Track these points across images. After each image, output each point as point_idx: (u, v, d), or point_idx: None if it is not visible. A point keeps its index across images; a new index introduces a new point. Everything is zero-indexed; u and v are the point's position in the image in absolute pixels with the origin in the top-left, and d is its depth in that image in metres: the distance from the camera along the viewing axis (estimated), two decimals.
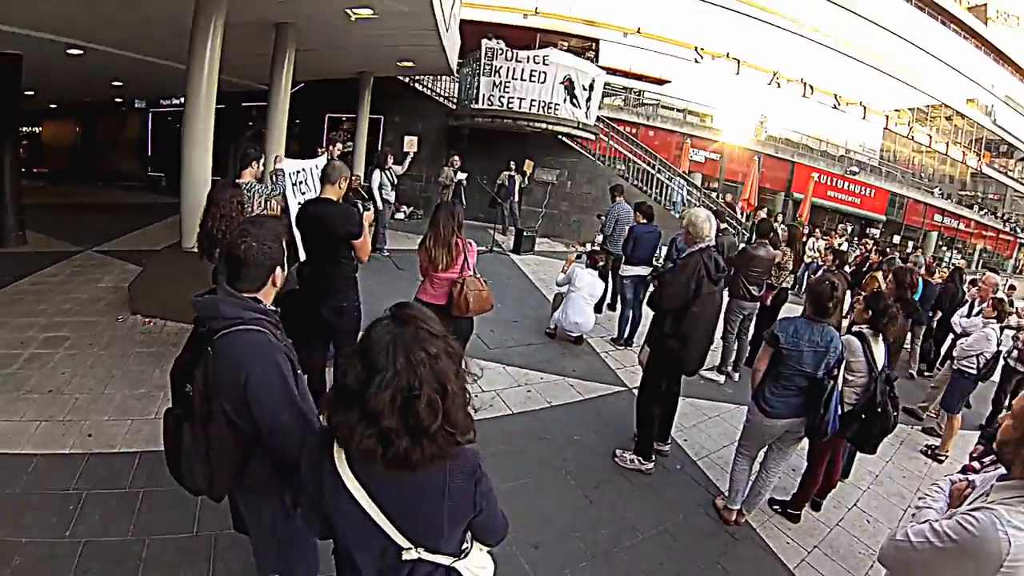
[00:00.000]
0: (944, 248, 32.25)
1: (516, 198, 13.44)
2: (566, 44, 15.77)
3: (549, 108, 13.25)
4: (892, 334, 4.18)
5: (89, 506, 3.29)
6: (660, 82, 28.40)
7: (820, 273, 7.25)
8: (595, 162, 15.08)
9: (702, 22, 27.94)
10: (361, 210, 4.70)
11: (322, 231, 4.10)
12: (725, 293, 6.90)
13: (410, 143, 12.30)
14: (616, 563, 3.53)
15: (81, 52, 9.78)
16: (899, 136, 33.09)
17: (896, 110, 32.77)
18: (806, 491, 4.25)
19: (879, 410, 3.81)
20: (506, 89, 13.17)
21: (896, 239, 27.50)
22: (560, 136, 14.50)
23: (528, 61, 13.08)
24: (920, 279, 8.15)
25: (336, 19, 7.79)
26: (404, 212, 14.78)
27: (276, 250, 2.12)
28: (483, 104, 13.43)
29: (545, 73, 13.04)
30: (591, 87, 13.83)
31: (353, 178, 10.87)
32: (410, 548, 1.50)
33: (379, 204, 10.00)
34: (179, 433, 2.02)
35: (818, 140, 30.06)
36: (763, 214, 13.96)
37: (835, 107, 30.23)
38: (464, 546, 1.65)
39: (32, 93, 15.42)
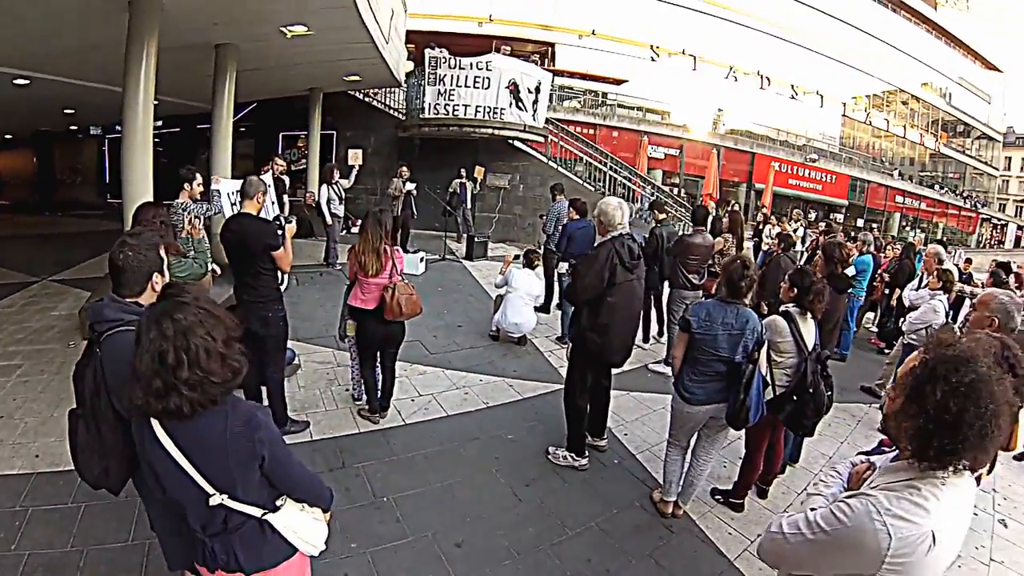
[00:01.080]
0: (907, 228, 33.19)
1: (469, 205, 13.66)
2: (509, 50, 15.78)
3: (494, 113, 13.40)
4: (820, 311, 4.01)
5: (34, 522, 3.49)
6: (618, 82, 29.03)
7: (765, 258, 7.49)
8: (547, 164, 15.33)
9: (657, 21, 28.63)
10: (281, 223, 4.91)
11: (242, 244, 4.34)
12: (666, 284, 7.19)
13: (354, 156, 12.50)
14: (540, 560, 3.53)
15: (28, 82, 10.00)
16: (857, 122, 34.07)
17: (853, 97, 33.71)
18: (746, 479, 4.17)
19: (811, 391, 3.73)
20: (451, 97, 13.31)
21: (860, 222, 28.20)
22: (510, 140, 14.76)
23: (471, 68, 13.25)
24: (869, 255, 8.53)
25: (273, 37, 8.08)
26: (359, 226, 14.95)
27: (153, 258, 2.37)
28: (429, 113, 13.56)
29: (489, 79, 13.22)
30: (537, 89, 14.03)
31: (308, 194, 11.24)
32: (215, 494, 1.77)
33: (328, 219, 10.27)
34: (75, 429, 2.29)
35: (777, 130, 30.83)
36: (737, 206, 14.40)
37: (793, 97, 31.09)
38: (278, 502, 1.95)
39: None
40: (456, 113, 13.41)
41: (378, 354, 4.95)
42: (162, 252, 2.47)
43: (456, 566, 3.39)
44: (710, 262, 7.04)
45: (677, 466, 3.99)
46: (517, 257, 8.40)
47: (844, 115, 33.39)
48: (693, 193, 23.65)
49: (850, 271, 7.26)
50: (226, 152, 9.07)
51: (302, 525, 1.99)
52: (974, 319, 3.75)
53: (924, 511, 1.43)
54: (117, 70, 6.61)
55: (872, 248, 9.25)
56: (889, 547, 1.41)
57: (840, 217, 28.65)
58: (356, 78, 12.33)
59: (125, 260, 2.29)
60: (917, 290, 7.01)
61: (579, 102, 28.17)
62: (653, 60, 28.73)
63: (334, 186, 10.44)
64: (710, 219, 7.42)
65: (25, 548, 3.27)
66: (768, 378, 3.86)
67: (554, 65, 29.17)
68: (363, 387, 5.08)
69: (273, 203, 8.28)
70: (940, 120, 36.63)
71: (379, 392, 4.99)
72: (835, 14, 31.17)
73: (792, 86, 30.92)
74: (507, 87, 13.35)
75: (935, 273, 6.43)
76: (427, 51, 13.57)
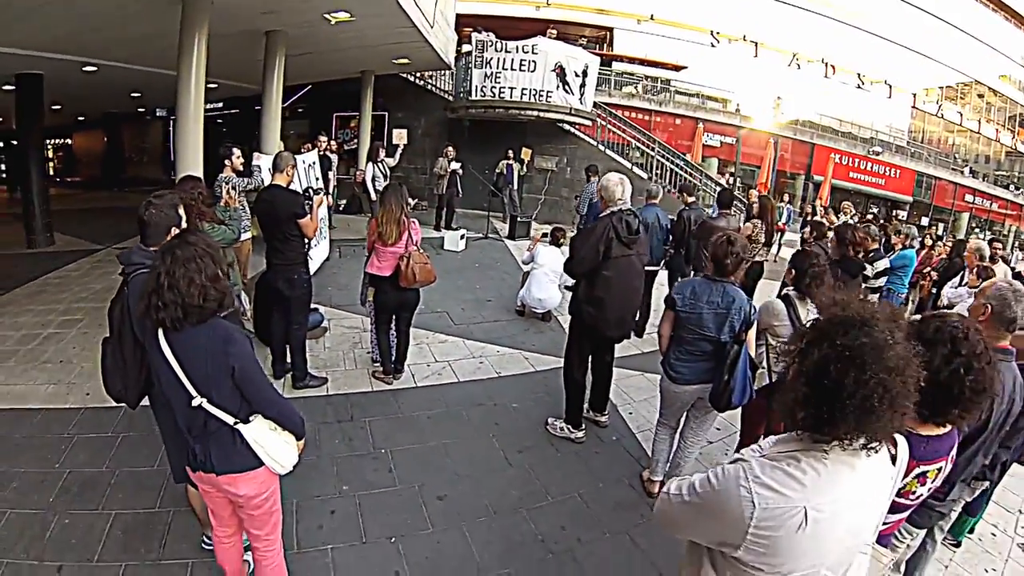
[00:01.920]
0: (976, 229, 31.53)
1: (515, 186, 13.91)
2: (555, 33, 15.80)
3: (540, 96, 13.59)
4: (819, 295, 3.72)
5: (78, 447, 4.12)
6: (676, 68, 28.76)
7: (800, 247, 7.26)
8: (595, 148, 15.42)
9: (717, 5, 28.19)
10: (310, 195, 5.33)
11: (271, 213, 4.84)
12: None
13: (399, 136, 12.95)
14: (515, 522, 3.68)
15: (95, 68, 10.72)
16: (928, 115, 32.56)
17: (925, 89, 32.24)
18: None
19: None
20: (497, 79, 13.56)
21: (924, 220, 27.15)
22: (558, 123, 14.92)
23: (517, 51, 13.45)
24: (912, 249, 8.13)
25: (318, 24, 8.49)
26: (410, 204, 15.47)
27: (172, 215, 2.86)
28: (476, 95, 13.86)
29: (535, 62, 13.40)
30: (584, 73, 14.11)
31: (358, 173, 11.79)
32: (196, 396, 2.22)
33: (372, 195, 10.73)
34: (105, 353, 2.74)
35: (839, 121, 29.75)
36: (767, 192, 14.25)
37: (859, 87, 29.99)
38: (251, 418, 2.35)
39: (59, 107, 16.73)
40: (502, 95, 13.65)
41: (394, 319, 5.32)
42: (181, 211, 2.95)
43: (434, 516, 3.66)
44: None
45: (665, 446, 4.01)
46: (545, 235, 8.61)
47: (914, 107, 31.95)
48: (749, 184, 23.33)
49: (881, 264, 7.15)
50: (275, 132, 9.62)
51: (270, 442, 2.38)
52: (971, 307, 3.46)
53: (798, 484, 1.33)
54: (175, 56, 7.17)
55: (915, 242, 8.96)
56: (752, 516, 1.33)
57: (903, 214, 27.48)
58: (405, 61, 12.71)
59: (149, 216, 2.80)
60: (957, 287, 6.75)
61: (634, 88, 27.86)
62: (713, 46, 28.38)
63: (379, 164, 10.90)
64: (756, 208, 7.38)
65: (67, 467, 3.85)
66: (764, 363, 3.85)
67: (612, 50, 29.19)
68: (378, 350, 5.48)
69: (318, 179, 8.79)
70: (1019, 116, 34.52)
71: (393, 355, 5.37)
72: None
73: (858, 75, 29.82)
74: (553, 70, 13.50)
75: (975, 269, 6.20)
76: (474, 35, 13.85)
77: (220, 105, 18.52)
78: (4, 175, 22.28)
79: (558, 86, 13.65)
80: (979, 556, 3.81)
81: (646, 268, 6.71)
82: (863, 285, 6.00)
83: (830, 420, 1.32)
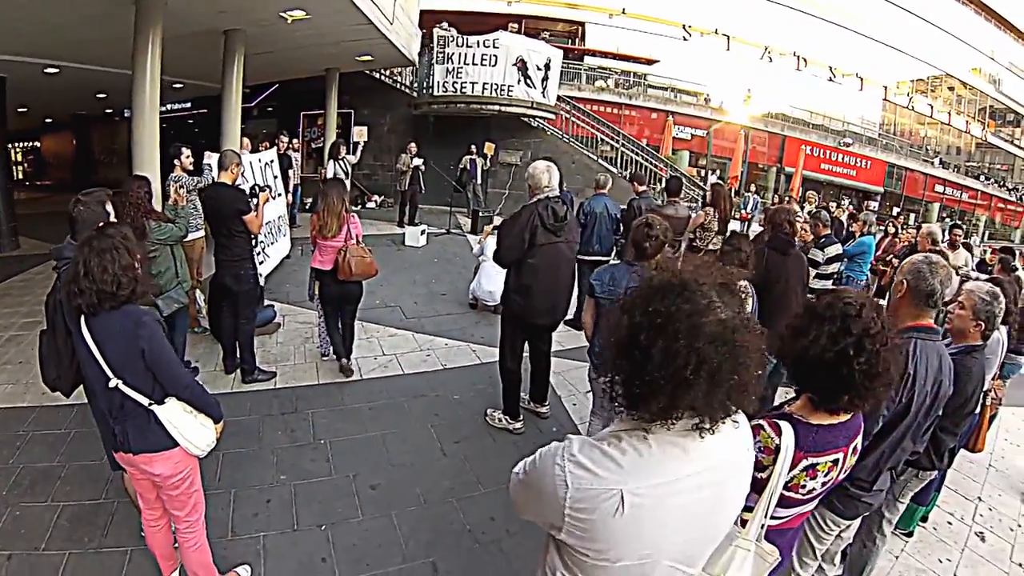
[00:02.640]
0: (947, 219, 32.05)
1: (479, 181, 14.09)
2: (517, 27, 15.90)
3: (501, 90, 13.67)
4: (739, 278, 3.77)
5: (32, 442, 4.28)
6: (649, 62, 29.06)
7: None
8: (560, 141, 15.69)
9: None
10: (256, 191, 5.50)
11: (216, 210, 5.03)
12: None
13: (359, 133, 13.12)
14: (445, 511, 3.76)
15: (58, 70, 10.80)
16: (899, 107, 33.13)
17: (897, 83, 32.76)
18: None
19: None
20: (459, 75, 13.69)
21: (895, 211, 27.53)
22: (523, 117, 15.13)
23: (479, 45, 13.57)
24: (871, 236, 8.36)
25: (276, 22, 8.62)
26: (375, 201, 15.72)
27: (99, 211, 3.10)
28: (438, 91, 13.99)
29: (496, 56, 13.53)
30: (547, 66, 14.25)
31: (323, 170, 11.91)
32: (112, 378, 2.41)
33: None
34: (42, 343, 2.91)
35: (810, 113, 30.14)
36: (713, 178, 14.41)
37: (831, 79, 30.44)
38: (165, 399, 2.52)
39: (25, 109, 16.71)
40: (464, 90, 13.77)
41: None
42: (108, 207, 3.15)
43: (365, 504, 3.79)
44: (692, 236, 7.03)
45: None
46: (496, 228, 8.73)
47: (885, 99, 32.49)
48: (722, 176, 23.61)
49: (832, 250, 6.84)
50: (235, 131, 9.69)
51: (184, 424, 2.57)
52: (893, 286, 3.67)
53: (615, 465, 1.21)
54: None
55: (872, 228, 9.15)
56: (566, 497, 1.21)
57: (875, 204, 27.72)
58: (368, 58, 12.86)
59: (78, 213, 3.06)
60: None
61: (603, 82, 27.98)
62: (685, 40, 28.67)
63: (341, 162, 11.05)
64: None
65: (20, 462, 4.03)
66: None
67: (584, 44, 29.38)
68: (329, 343, 5.64)
69: (276, 177, 8.91)
70: (988, 108, 35.16)
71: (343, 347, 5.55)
72: None
73: (830, 68, 30.28)
74: (514, 64, 13.63)
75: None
76: (436, 30, 13.97)
77: (188, 105, 18.51)
78: None
79: (519, 80, 13.78)
80: (933, 546, 3.86)
81: (596, 257, 6.97)
82: (813, 271, 5.92)
83: (642, 395, 1.19)
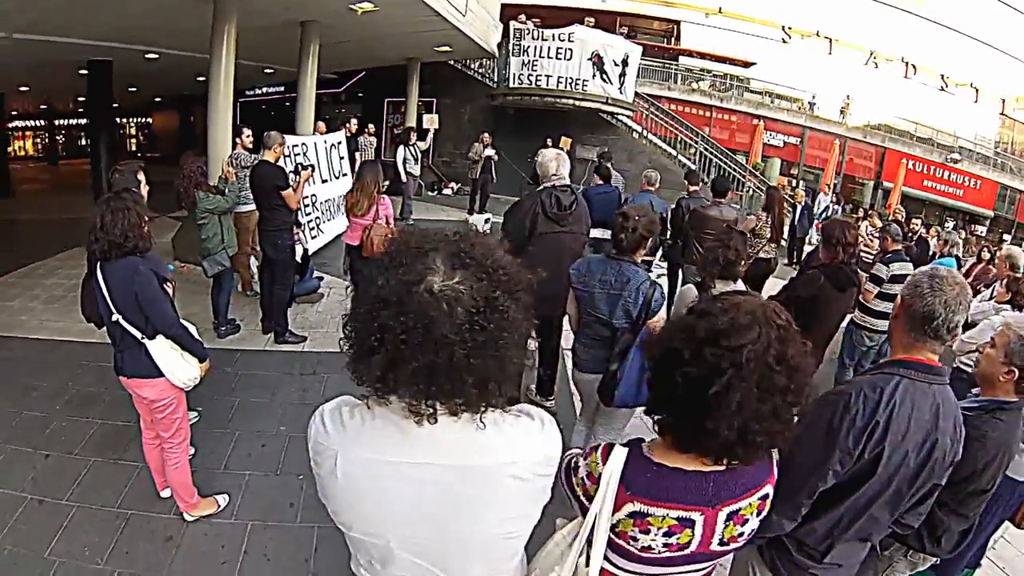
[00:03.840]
0: None
1: None
2: (593, 21, 15.85)
3: (576, 84, 13.94)
4: (717, 277, 3.62)
5: (89, 371, 5.03)
6: (745, 64, 28.35)
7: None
8: (638, 139, 15.78)
9: None
10: (297, 170, 6.00)
11: (259, 185, 5.52)
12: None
13: (430, 120, 13.58)
14: None
15: (156, 56, 11.88)
16: (1018, 123, 30.54)
17: (1017, 98, 30.12)
18: None
19: None
20: (534, 67, 13.98)
21: (1007, 237, 25.30)
22: (602, 113, 15.24)
23: (554, 39, 13.80)
24: (953, 259, 7.45)
25: (347, 14, 9.18)
26: (452, 189, 16.30)
27: (131, 179, 3.82)
28: (514, 83, 14.35)
29: (571, 50, 13.74)
30: (624, 62, 14.31)
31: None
32: (114, 313, 2.91)
33: (403, 177, 11.43)
34: (84, 285, 3.41)
35: (915, 124, 27.83)
36: (776, 184, 13.92)
37: (942, 89, 28.57)
38: (156, 336, 3.00)
39: (135, 89, 18.30)
40: (539, 83, 14.06)
41: None
42: (140, 176, 3.76)
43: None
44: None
45: (580, 438, 3.81)
46: None
47: (1002, 114, 29.91)
48: (814, 187, 22.85)
49: (900, 268, 5.70)
50: (309, 114, 10.39)
51: (169, 358, 3.05)
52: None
53: (341, 428, 1.21)
54: (240, 46, 8.31)
55: (955, 250, 8.31)
56: (309, 447, 1.25)
57: (983, 229, 25.74)
58: (446, 49, 13.31)
59: (114, 180, 3.82)
60: (983, 301, 5.71)
61: (694, 84, 27.27)
62: (784, 42, 27.85)
63: (411, 148, 11.60)
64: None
65: (77, 385, 4.86)
66: None
67: (679, 44, 29.06)
68: None
69: (342, 157, 9.58)
70: None
71: None
72: None
73: (942, 76, 28.38)
74: (589, 59, 13.77)
75: (1005, 281, 5.34)
76: (512, 22, 14.28)
77: (282, 88, 19.63)
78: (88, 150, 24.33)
79: (594, 75, 13.91)
80: None
81: (595, 235, 6.49)
82: (877, 289, 5.46)
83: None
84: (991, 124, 30.16)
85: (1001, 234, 25.37)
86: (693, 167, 14.79)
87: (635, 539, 1.39)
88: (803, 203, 13.47)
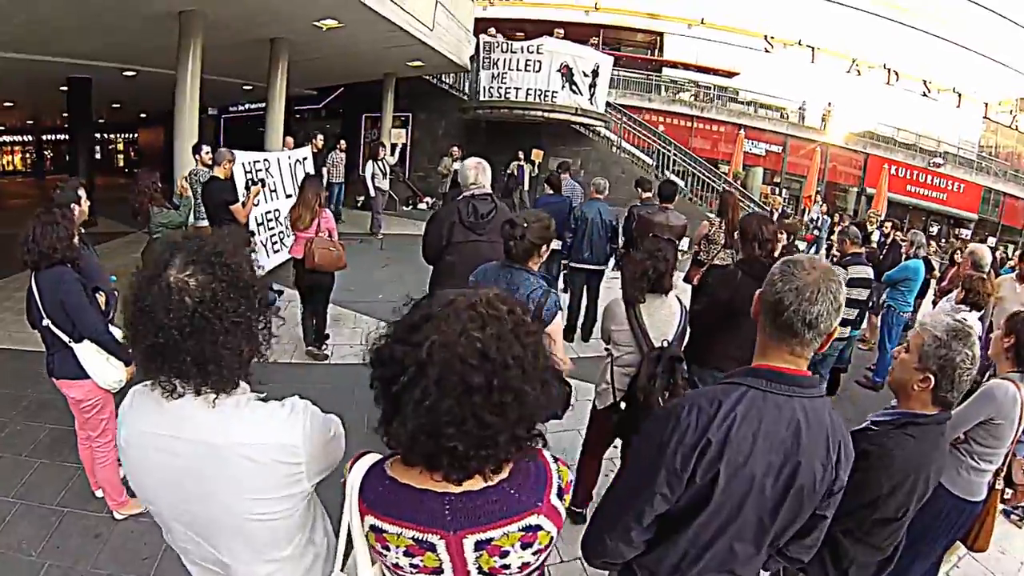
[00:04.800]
0: None
1: (526, 187, 14.40)
2: (563, 32, 16.07)
3: (545, 96, 14.15)
4: (648, 291, 3.45)
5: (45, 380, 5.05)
6: (729, 74, 28.69)
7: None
8: (612, 150, 16.04)
9: (771, 9, 27.98)
10: (247, 185, 6.32)
11: (208, 199, 5.84)
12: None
13: (397, 135, 13.98)
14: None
15: (134, 73, 12.22)
16: (1002, 127, 30.89)
17: (1000, 101, 30.63)
18: (580, 485, 3.73)
19: (642, 398, 3.16)
20: (504, 80, 14.21)
21: (992, 241, 25.52)
22: (573, 125, 15.48)
23: (523, 51, 14.07)
24: (920, 260, 6.99)
25: (312, 31, 9.49)
26: (427, 203, 16.49)
27: (72, 195, 4.05)
28: (484, 96, 14.54)
29: (540, 62, 13.99)
30: (595, 73, 14.51)
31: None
32: (44, 318, 3.19)
33: (371, 192, 11.74)
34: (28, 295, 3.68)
35: (896, 129, 28.29)
36: (731, 189, 14.08)
37: (924, 95, 28.96)
38: (82, 340, 3.26)
39: (119, 105, 18.83)
40: (508, 96, 14.21)
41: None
42: (80, 192, 4.11)
43: None
44: (696, 249, 6.62)
45: None
46: None
47: (986, 117, 30.30)
48: (798, 195, 23.10)
49: (858, 271, 5.56)
50: (278, 130, 10.77)
51: (95, 362, 3.32)
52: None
53: (130, 403, 1.38)
54: (214, 63, 8.81)
55: (922, 252, 7.58)
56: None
57: (967, 233, 25.85)
58: (419, 64, 13.58)
59: (56, 194, 4.09)
60: (947, 302, 5.43)
61: (672, 94, 27.56)
62: (767, 51, 28.27)
63: (379, 163, 11.90)
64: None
65: (34, 392, 5.04)
66: (608, 376, 3.52)
67: (662, 55, 29.49)
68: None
69: (308, 173, 9.85)
70: None
71: (313, 331, 6.19)
72: (981, 1, 28.05)
73: (924, 82, 28.75)
74: (559, 70, 13.97)
75: (963, 281, 5.10)
76: (481, 36, 14.52)
77: (263, 105, 20.01)
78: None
79: (563, 86, 14.10)
80: None
81: (587, 265, 6.93)
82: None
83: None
84: (974, 128, 30.49)
85: (986, 236, 25.44)
86: (676, 179, 14.93)
87: (381, 555, 1.30)
88: (780, 211, 13.47)
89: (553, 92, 14.13)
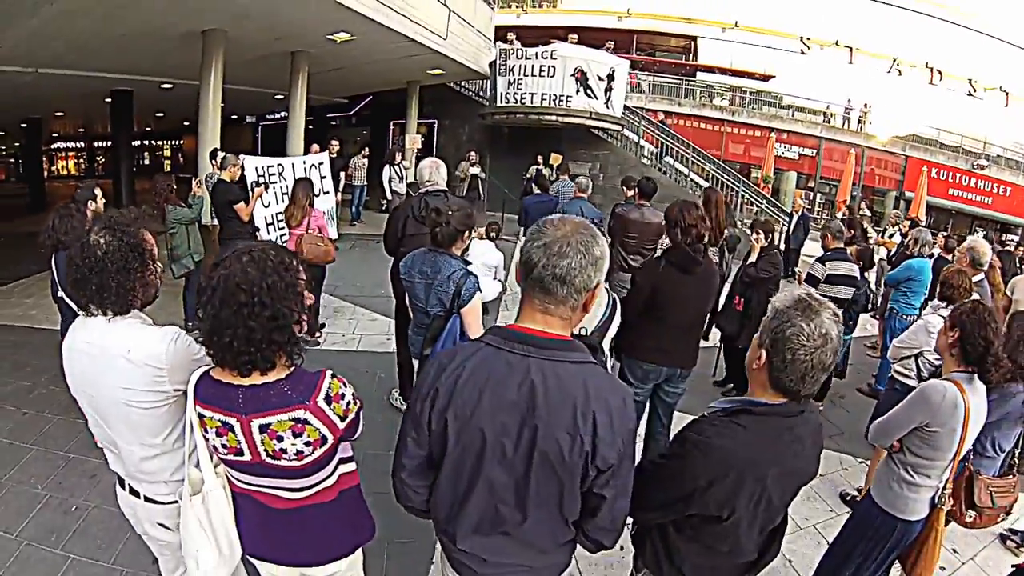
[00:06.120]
0: None
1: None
2: (576, 38, 16.38)
3: (560, 100, 14.59)
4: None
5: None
6: (764, 78, 28.83)
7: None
8: (629, 154, 16.47)
9: (807, 9, 27.92)
10: (251, 187, 7.08)
11: (215, 200, 6.61)
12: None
13: (412, 140, 14.64)
14: None
15: (171, 86, 13.27)
16: None
17: None
18: None
19: None
20: (519, 86, 14.77)
21: None
22: (593, 130, 15.93)
23: (537, 57, 14.57)
24: (926, 260, 6.53)
25: (328, 43, 10.27)
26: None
27: (90, 194, 4.85)
28: (501, 102, 15.20)
29: (554, 67, 14.44)
30: (611, 77, 14.99)
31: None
32: (60, 290, 4.04)
33: (388, 195, 12.50)
34: None
35: (938, 130, 27.34)
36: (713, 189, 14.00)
37: (970, 94, 28.27)
38: None
39: (162, 115, 20.14)
40: (523, 101, 14.75)
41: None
42: (96, 191, 4.92)
43: None
44: None
45: None
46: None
47: None
48: (833, 199, 22.91)
49: (839, 267, 5.55)
50: (299, 137, 11.66)
51: None
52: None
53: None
54: (244, 75, 9.99)
55: (926, 249, 6.92)
56: None
57: (1015, 238, 24.92)
58: (439, 71, 14.32)
59: (76, 193, 4.91)
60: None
61: (709, 98, 27.82)
62: (803, 53, 28.21)
63: (396, 167, 12.66)
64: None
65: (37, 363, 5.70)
66: None
67: (696, 60, 29.72)
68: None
69: (324, 177, 10.60)
70: None
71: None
72: None
73: (970, 81, 28.05)
74: (572, 75, 14.40)
75: (951, 279, 4.45)
76: (498, 43, 15.13)
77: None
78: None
79: (578, 90, 14.53)
80: None
81: None
82: (812, 290, 5.23)
83: None
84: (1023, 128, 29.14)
85: None
86: (705, 183, 15.31)
87: (207, 440, 1.78)
88: (800, 212, 13.21)
89: (568, 96, 14.54)
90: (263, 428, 1.68)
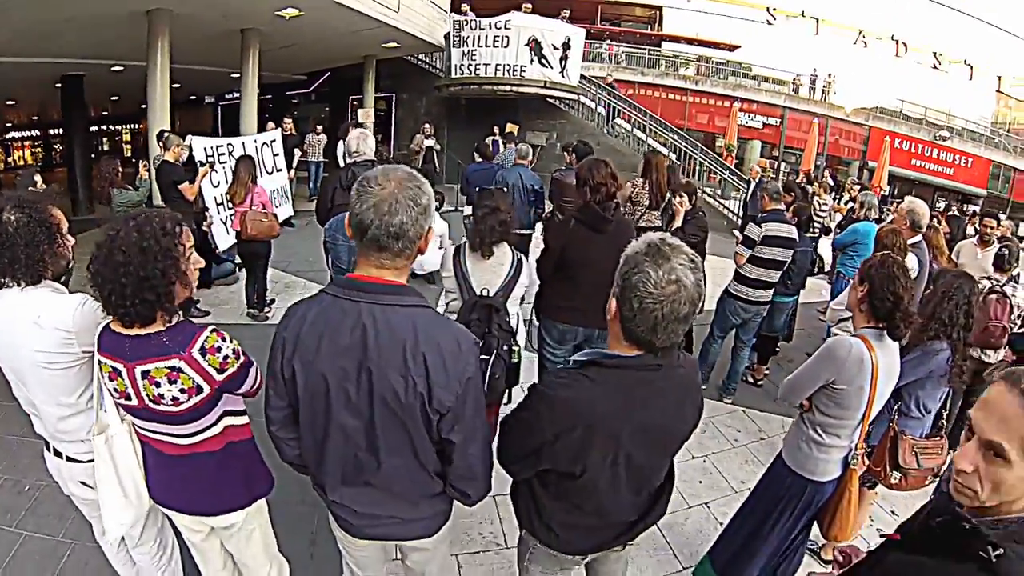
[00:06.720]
0: None
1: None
2: (531, 7, 16.37)
3: (514, 71, 14.71)
4: (486, 246, 3.36)
5: None
6: (730, 48, 29.05)
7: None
8: (586, 122, 16.65)
9: None
10: (196, 167, 7.20)
11: (159, 180, 6.75)
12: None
13: (364, 114, 14.67)
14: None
15: (122, 68, 13.16)
16: (1016, 100, 30.34)
17: (1014, 76, 30.06)
18: None
19: None
20: (473, 57, 14.85)
21: (1002, 217, 24.67)
22: (549, 99, 16.09)
23: (491, 28, 14.63)
24: (872, 223, 6.47)
25: (277, 20, 10.32)
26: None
27: (30, 181, 5.04)
28: (456, 73, 15.28)
29: (508, 37, 14.53)
30: (566, 46, 15.02)
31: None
32: None
33: None
34: None
35: (901, 102, 27.72)
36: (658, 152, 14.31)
37: (935, 67, 28.63)
38: None
39: (117, 97, 20.13)
40: (478, 72, 14.87)
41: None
42: (36, 178, 5.03)
43: None
44: (623, 210, 6.10)
45: None
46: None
47: (999, 92, 29.60)
48: (796, 168, 23.18)
49: (775, 228, 5.20)
50: (251, 115, 11.74)
51: None
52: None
53: None
54: (195, 55, 10.18)
55: (872, 213, 7.21)
56: None
57: (975, 209, 25.45)
58: (394, 45, 14.33)
59: (16, 181, 4.95)
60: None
61: (674, 68, 27.85)
62: (770, 23, 28.39)
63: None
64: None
65: None
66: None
67: (661, 30, 29.82)
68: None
69: (277, 155, 10.70)
70: None
71: (255, 296, 7.04)
72: None
73: (935, 54, 28.37)
74: (527, 44, 14.49)
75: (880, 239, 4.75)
76: (452, 15, 15.20)
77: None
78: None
79: (532, 60, 14.62)
80: None
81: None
82: (748, 252, 5.26)
83: None
84: (988, 102, 29.97)
85: (996, 212, 24.78)
86: (665, 150, 15.34)
87: (106, 386, 2.01)
88: (758, 179, 13.01)
89: (522, 66, 14.63)
90: (144, 374, 1.89)
